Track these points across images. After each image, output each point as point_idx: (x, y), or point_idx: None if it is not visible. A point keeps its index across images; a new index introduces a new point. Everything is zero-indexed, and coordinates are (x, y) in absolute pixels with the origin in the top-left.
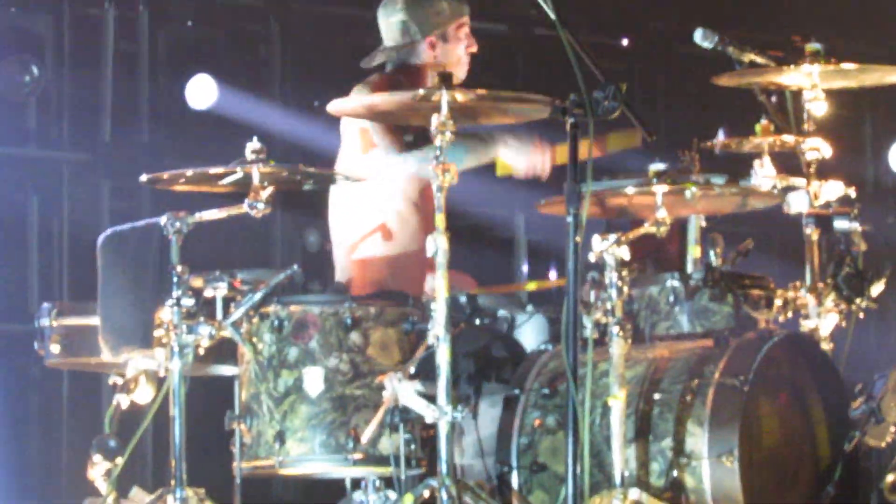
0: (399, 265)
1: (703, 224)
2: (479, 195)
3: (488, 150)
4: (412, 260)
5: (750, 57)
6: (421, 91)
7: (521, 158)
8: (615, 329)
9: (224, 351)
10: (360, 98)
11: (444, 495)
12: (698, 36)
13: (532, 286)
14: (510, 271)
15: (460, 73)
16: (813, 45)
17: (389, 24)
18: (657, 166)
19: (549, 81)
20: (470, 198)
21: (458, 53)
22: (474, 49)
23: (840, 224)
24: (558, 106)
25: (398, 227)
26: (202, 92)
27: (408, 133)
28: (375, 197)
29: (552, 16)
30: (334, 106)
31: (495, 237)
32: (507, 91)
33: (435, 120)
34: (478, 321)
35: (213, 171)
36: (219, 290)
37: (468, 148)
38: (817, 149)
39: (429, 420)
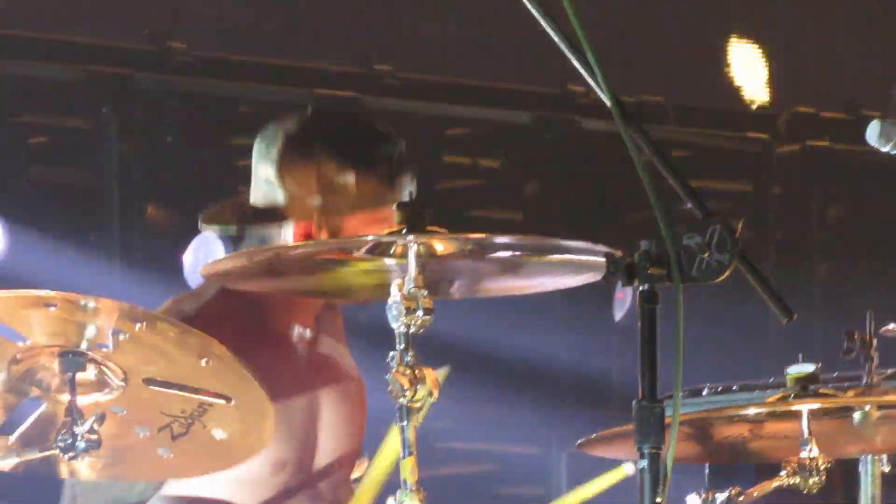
0: None
1: (886, 471)
2: (495, 426)
3: None
4: None
5: None
6: (368, 237)
7: None
8: None
9: None
10: (241, 258)
11: None
12: (873, 133)
13: None
14: None
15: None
16: None
17: (256, 175)
18: (800, 368)
19: (602, 215)
20: (477, 429)
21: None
22: None
23: None
24: (618, 260)
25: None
26: None
27: None
28: None
29: (606, 99)
30: (209, 268)
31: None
32: (526, 233)
33: (395, 291)
34: None
35: None
36: None
37: None
38: None
39: None
